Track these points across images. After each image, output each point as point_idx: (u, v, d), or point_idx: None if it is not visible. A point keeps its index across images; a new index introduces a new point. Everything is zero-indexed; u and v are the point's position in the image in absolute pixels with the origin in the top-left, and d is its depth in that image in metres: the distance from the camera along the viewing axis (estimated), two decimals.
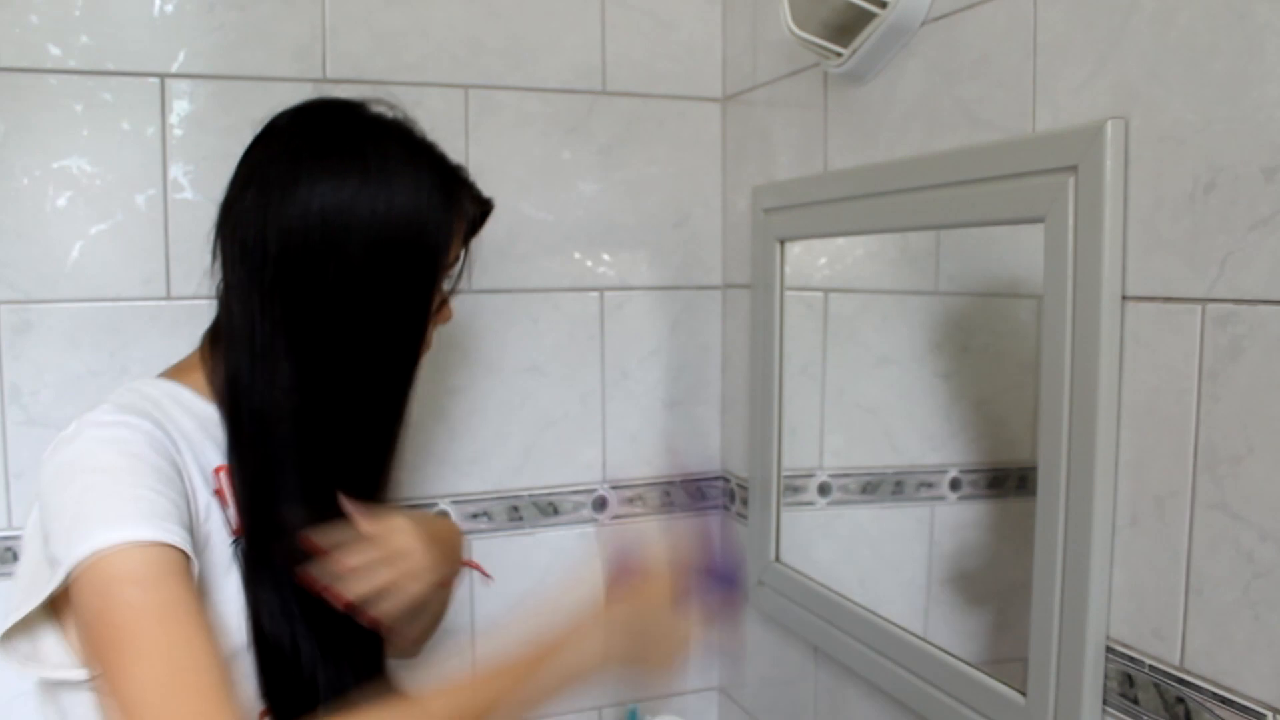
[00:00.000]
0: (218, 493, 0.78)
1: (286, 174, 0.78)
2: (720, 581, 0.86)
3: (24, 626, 0.71)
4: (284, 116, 0.85)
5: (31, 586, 0.70)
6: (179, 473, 0.73)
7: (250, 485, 0.78)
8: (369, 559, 0.79)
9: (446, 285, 0.87)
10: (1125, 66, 0.74)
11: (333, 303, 0.77)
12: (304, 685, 0.78)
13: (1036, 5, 0.83)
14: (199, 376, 0.82)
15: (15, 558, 1.13)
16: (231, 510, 0.78)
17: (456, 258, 0.87)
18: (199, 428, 0.79)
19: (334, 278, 0.77)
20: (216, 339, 0.83)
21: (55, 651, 0.72)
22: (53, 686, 0.74)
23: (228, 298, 0.80)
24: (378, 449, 0.84)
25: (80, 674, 0.71)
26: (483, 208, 0.92)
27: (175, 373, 0.84)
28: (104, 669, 0.64)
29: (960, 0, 0.91)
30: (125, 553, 0.65)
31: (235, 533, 0.78)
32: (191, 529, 0.72)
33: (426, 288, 0.83)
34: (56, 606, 0.71)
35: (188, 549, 0.68)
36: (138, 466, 0.70)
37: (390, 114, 0.87)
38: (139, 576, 0.65)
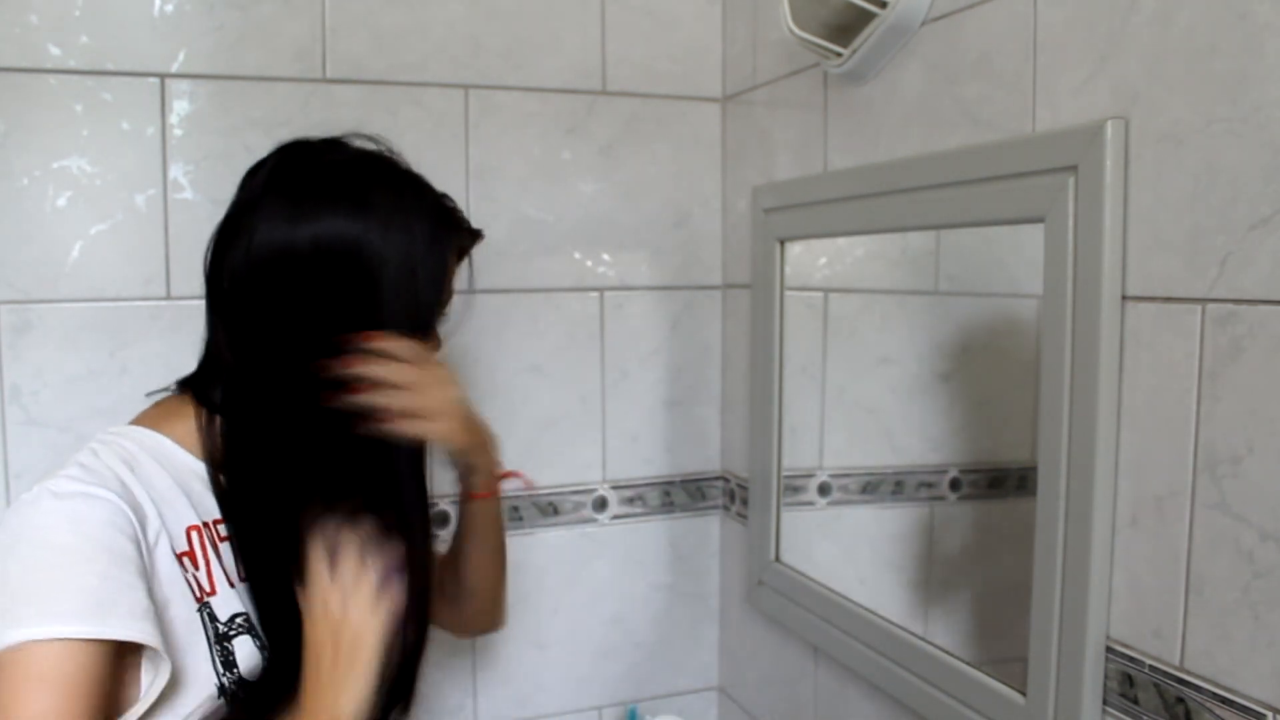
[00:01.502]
0: (186, 555, 0.77)
1: (277, 216, 0.80)
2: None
3: None
4: (265, 161, 0.85)
5: None
6: (138, 549, 0.72)
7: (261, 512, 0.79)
8: (404, 374, 0.80)
9: (443, 321, 0.89)
10: (1125, 66, 0.74)
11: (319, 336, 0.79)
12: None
13: (1036, 5, 0.83)
14: (185, 426, 0.82)
15: None
16: (202, 572, 0.78)
17: (451, 292, 0.89)
18: (174, 484, 0.79)
19: (317, 315, 0.79)
20: (204, 386, 0.83)
21: None
22: None
23: (217, 348, 0.82)
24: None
25: None
26: (473, 240, 0.93)
27: (158, 419, 0.83)
28: None
29: (960, 0, 0.91)
30: (49, 649, 0.64)
31: (199, 598, 0.77)
32: (151, 596, 0.71)
33: (424, 327, 0.85)
34: None
35: (127, 635, 0.67)
36: (89, 549, 0.69)
37: (373, 148, 0.87)
38: (55, 678, 0.64)
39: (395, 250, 0.80)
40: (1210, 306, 0.68)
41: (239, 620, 0.80)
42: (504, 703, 1.36)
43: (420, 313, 0.83)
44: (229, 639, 0.78)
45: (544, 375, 1.34)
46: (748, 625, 1.37)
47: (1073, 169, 0.76)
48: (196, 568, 0.78)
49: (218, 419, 0.82)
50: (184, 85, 1.16)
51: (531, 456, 1.34)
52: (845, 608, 1.10)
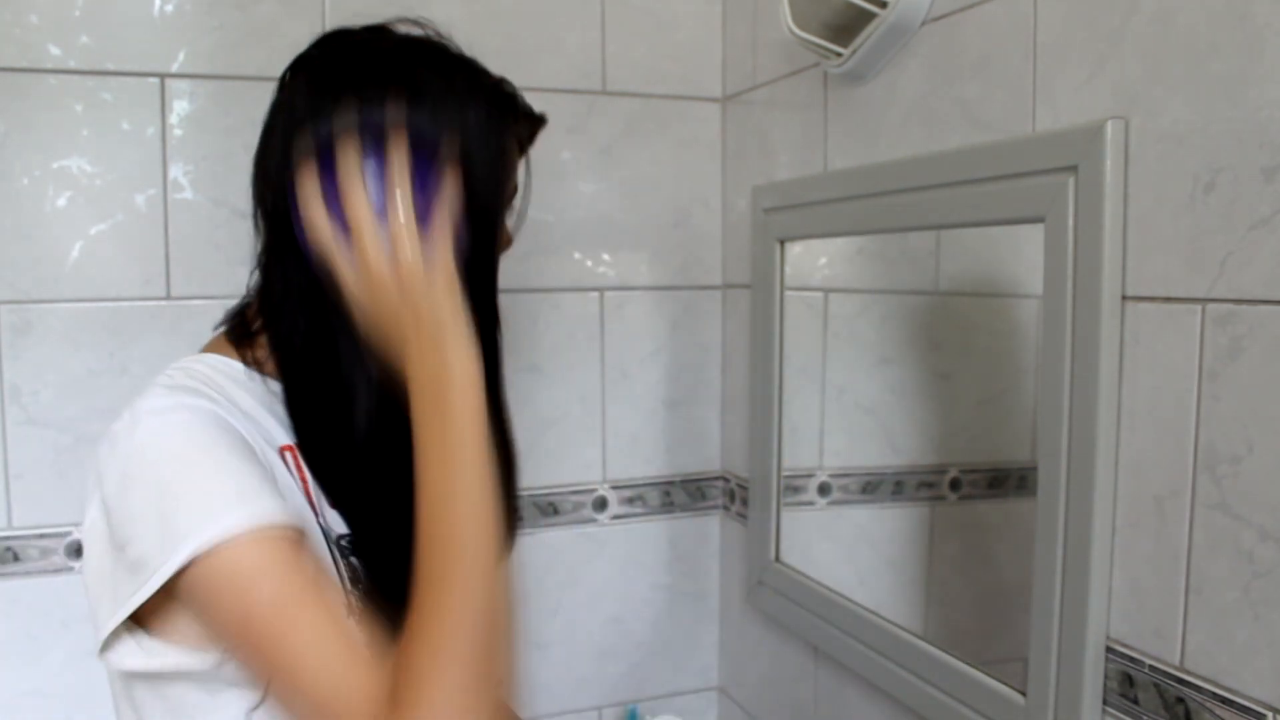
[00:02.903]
0: (296, 469, 0.74)
1: (317, 108, 0.70)
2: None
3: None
4: (307, 53, 0.76)
5: (115, 596, 0.65)
6: (250, 447, 0.68)
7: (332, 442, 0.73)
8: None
9: (510, 218, 0.81)
10: (1125, 66, 0.74)
11: None
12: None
13: (1036, 5, 0.83)
14: (236, 354, 0.76)
15: (16, 557, 1.13)
16: (311, 488, 0.74)
17: (515, 186, 0.81)
18: (258, 403, 0.74)
19: None
20: (245, 318, 0.78)
21: (133, 649, 0.68)
22: (128, 681, 0.71)
23: (269, 262, 0.74)
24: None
25: (167, 664, 0.68)
26: (534, 125, 0.85)
27: (223, 347, 0.77)
28: (260, 668, 0.63)
29: (960, 0, 0.91)
30: (226, 550, 0.61)
31: (316, 512, 0.73)
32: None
33: (489, 228, 0.75)
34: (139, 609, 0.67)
35: (283, 517, 0.64)
36: (211, 448, 0.65)
37: (420, 33, 0.78)
38: (249, 570, 0.62)
39: (452, 130, 0.71)
40: (1210, 306, 0.68)
41: (343, 542, 0.75)
42: None
43: (480, 207, 0.73)
44: (345, 557, 0.74)
45: (544, 375, 1.34)
46: (748, 625, 1.37)
47: (1073, 169, 0.76)
48: (305, 484, 0.74)
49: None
50: (184, 85, 1.16)
51: (531, 456, 1.34)
52: (845, 608, 1.10)
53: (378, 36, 0.76)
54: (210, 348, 0.78)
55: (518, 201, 0.84)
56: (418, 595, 0.62)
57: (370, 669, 0.61)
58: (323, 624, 0.62)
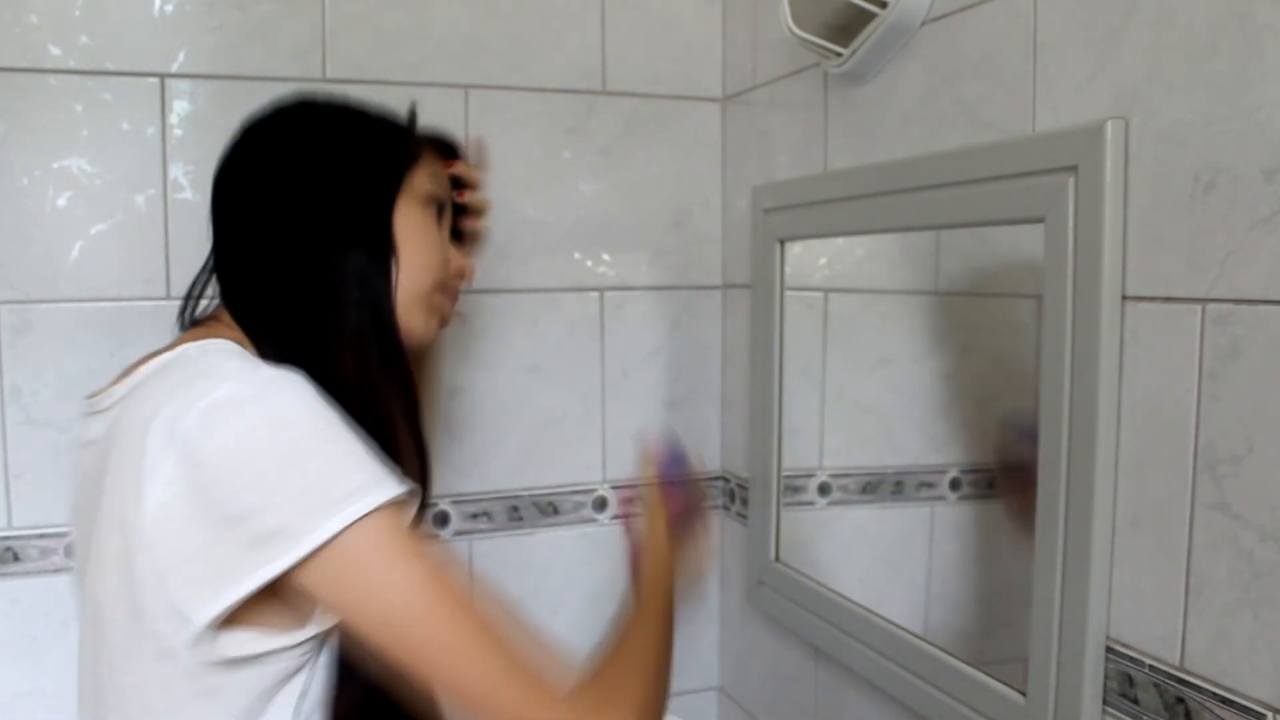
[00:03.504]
0: None
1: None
2: (676, 480, 1.00)
3: (196, 611, 0.65)
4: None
5: (226, 572, 0.63)
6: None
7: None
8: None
9: (447, 230, 0.86)
10: (1125, 66, 0.74)
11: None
12: None
13: (1036, 5, 0.83)
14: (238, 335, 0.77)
15: (16, 557, 1.13)
16: None
17: (430, 190, 0.84)
18: None
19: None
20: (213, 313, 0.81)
21: (234, 632, 0.67)
22: (207, 670, 0.68)
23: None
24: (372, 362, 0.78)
25: (264, 647, 0.68)
26: (438, 140, 0.91)
27: (220, 331, 0.77)
28: (405, 637, 0.65)
29: (960, 0, 0.91)
30: (375, 521, 0.63)
31: None
32: None
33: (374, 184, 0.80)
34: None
35: (407, 492, 0.66)
36: (334, 418, 0.66)
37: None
38: (399, 541, 0.64)
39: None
40: (1210, 306, 0.68)
41: None
42: None
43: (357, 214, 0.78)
44: None
45: (544, 375, 1.34)
46: (748, 625, 1.37)
47: (1073, 169, 0.76)
48: None
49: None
50: (184, 85, 1.16)
51: (531, 456, 1.34)
52: (845, 608, 1.10)
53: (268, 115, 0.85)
54: (199, 335, 0.77)
55: (475, 226, 0.91)
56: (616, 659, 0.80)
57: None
58: (464, 597, 0.68)
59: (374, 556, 0.64)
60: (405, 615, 0.65)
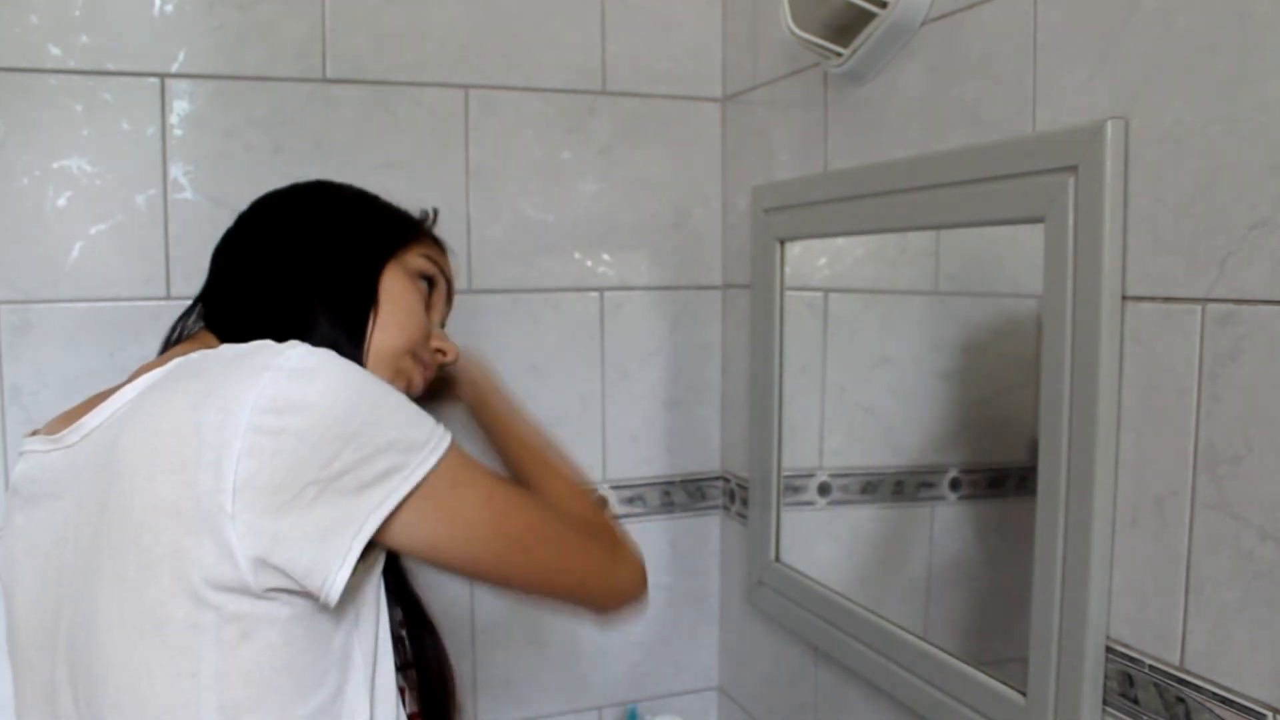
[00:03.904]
0: None
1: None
2: None
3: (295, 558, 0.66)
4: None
5: (349, 519, 0.66)
6: None
7: None
8: None
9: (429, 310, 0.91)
10: (1125, 66, 0.74)
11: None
12: None
13: (1036, 5, 0.83)
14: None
15: None
16: None
17: (425, 263, 0.90)
18: None
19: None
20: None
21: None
22: (242, 615, 0.66)
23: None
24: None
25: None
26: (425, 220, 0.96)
27: (199, 345, 0.79)
28: (490, 548, 0.74)
29: (960, 0, 0.91)
30: (448, 457, 0.71)
31: None
32: None
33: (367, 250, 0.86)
34: None
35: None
36: (378, 378, 0.72)
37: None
38: (469, 468, 0.74)
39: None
40: (1210, 307, 0.68)
41: None
42: (504, 703, 1.36)
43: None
44: None
45: (544, 375, 1.34)
46: (748, 625, 1.37)
47: (1073, 169, 0.76)
48: None
49: None
50: (184, 85, 1.16)
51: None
52: (845, 608, 1.10)
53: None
54: (186, 350, 0.78)
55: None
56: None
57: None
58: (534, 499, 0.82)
59: (454, 486, 0.71)
60: (493, 527, 0.74)
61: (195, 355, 0.73)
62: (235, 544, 0.64)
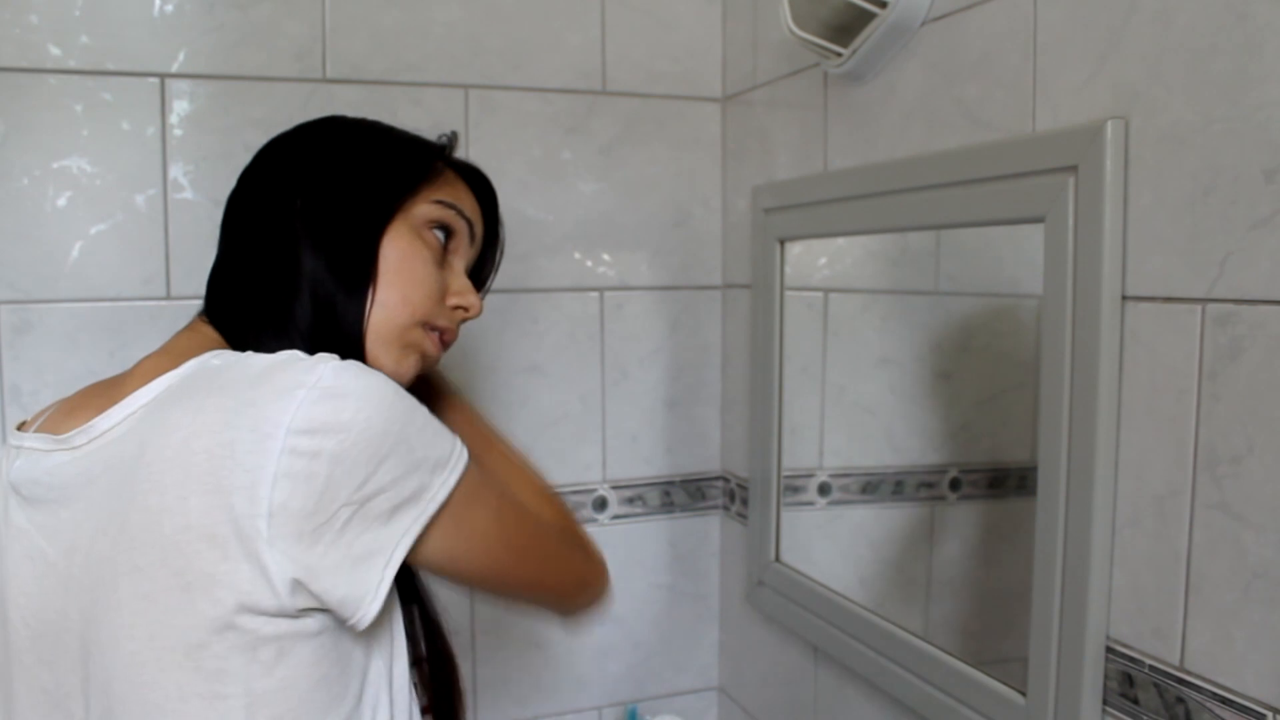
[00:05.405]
0: None
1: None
2: None
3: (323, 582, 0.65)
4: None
5: (384, 542, 0.66)
6: None
7: None
8: None
9: (460, 262, 0.84)
10: (1125, 66, 0.74)
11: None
12: None
13: (1036, 5, 0.83)
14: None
15: None
16: None
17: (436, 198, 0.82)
18: None
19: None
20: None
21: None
22: (280, 636, 0.66)
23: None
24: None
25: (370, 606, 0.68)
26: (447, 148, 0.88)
27: (208, 346, 0.76)
28: (498, 560, 0.76)
29: (960, 0, 0.91)
30: (466, 473, 0.71)
31: None
32: None
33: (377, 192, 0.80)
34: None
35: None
36: (400, 389, 0.70)
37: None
38: (483, 484, 0.74)
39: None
40: (1210, 306, 0.68)
41: None
42: (504, 703, 1.36)
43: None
44: None
45: (544, 375, 1.34)
46: (748, 625, 1.37)
47: (1073, 169, 0.76)
48: None
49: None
50: (184, 85, 1.16)
51: (531, 456, 1.33)
52: (845, 608, 1.10)
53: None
54: (190, 346, 0.75)
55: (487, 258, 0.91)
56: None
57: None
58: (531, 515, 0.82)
59: (472, 502, 0.72)
60: (502, 542, 0.76)
61: (216, 362, 0.70)
62: (273, 569, 0.63)
